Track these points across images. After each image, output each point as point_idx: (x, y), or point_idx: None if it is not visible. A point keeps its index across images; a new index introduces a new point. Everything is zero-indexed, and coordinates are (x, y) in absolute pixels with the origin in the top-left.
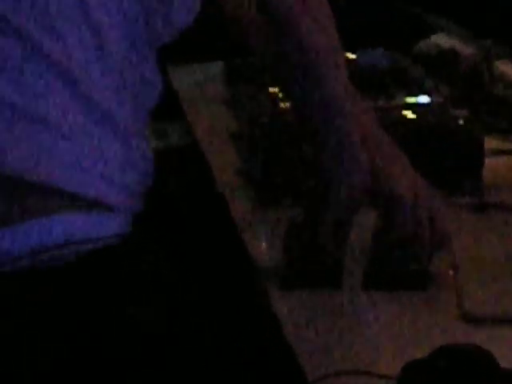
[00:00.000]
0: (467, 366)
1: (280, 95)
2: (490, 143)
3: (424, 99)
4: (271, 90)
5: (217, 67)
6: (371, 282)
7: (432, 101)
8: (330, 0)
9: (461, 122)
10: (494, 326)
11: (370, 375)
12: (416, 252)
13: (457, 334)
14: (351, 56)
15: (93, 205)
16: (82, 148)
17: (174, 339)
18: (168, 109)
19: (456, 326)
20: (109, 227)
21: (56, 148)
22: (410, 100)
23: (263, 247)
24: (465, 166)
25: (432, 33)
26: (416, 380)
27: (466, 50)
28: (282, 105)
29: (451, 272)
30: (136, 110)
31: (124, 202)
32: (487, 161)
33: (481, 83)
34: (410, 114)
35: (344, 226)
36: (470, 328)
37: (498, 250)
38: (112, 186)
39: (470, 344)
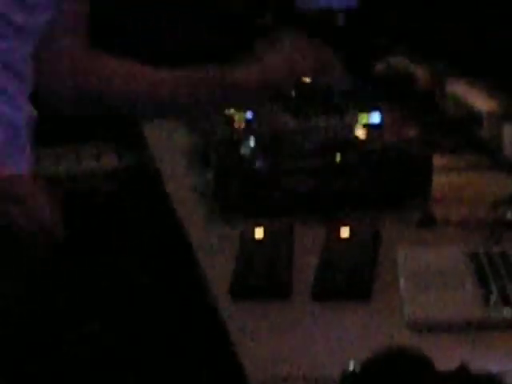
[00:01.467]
0: (405, 368)
1: (234, 116)
2: (440, 161)
3: (377, 119)
4: (226, 111)
5: None
6: (319, 294)
7: (385, 120)
8: (328, 20)
9: (411, 140)
10: (436, 332)
11: (315, 382)
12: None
13: (399, 339)
14: (306, 79)
15: None
16: None
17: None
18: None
19: (399, 332)
20: None
21: None
22: (364, 119)
23: (215, 260)
24: (413, 183)
25: (389, 56)
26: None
27: (420, 72)
28: (235, 125)
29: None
30: None
31: None
32: (436, 178)
33: (433, 103)
34: (362, 133)
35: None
36: (412, 334)
37: (442, 262)
38: None
39: (409, 347)
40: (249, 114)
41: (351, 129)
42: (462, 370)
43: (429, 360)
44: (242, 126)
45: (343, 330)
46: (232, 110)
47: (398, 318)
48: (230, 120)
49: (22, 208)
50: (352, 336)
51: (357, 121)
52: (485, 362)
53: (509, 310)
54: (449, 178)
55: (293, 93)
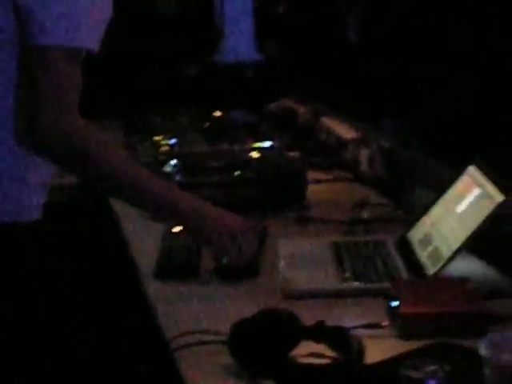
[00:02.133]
0: (278, 323)
1: (161, 141)
2: (315, 175)
3: (268, 144)
4: (155, 138)
5: (118, 122)
6: (219, 275)
7: (274, 145)
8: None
9: (293, 160)
10: (304, 299)
11: (212, 333)
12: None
13: (276, 305)
14: (218, 113)
15: None
16: None
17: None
18: None
19: (277, 300)
20: None
21: None
22: (258, 145)
23: (144, 248)
24: (293, 191)
25: (282, 97)
26: (240, 333)
27: (303, 110)
28: (161, 148)
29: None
30: None
31: None
32: (311, 187)
33: (312, 133)
34: (255, 155)
35: None
36: (286, 301)
37: (311, 249)
38: None
39: (280, 308)
40: (172, 140)
41: (248, 152)
42: (320, 324)
43: (295, 316)
44: (167, 149)
45: (236, 299)
46: (159, 137)
47: (278, 290)
48: (156, 144)
49: (235, 243)
50: (241, 302)
51: (253, 146)
52: (339, 321)
53: (358, 284)
54: (320, 187)
55: (206, 124)
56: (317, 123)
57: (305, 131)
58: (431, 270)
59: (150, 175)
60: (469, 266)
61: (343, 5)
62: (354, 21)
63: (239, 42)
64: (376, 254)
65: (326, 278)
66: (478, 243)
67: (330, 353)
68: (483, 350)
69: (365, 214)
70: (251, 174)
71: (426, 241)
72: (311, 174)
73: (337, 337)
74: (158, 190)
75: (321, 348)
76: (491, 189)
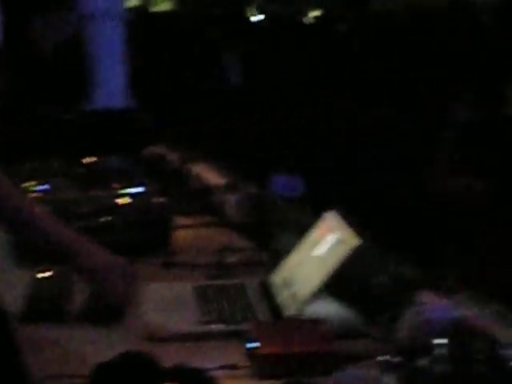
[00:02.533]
0: (137, 366)
1: (31, 187)
2: (183, 221)
3: (138, 190)
4: (25, 184)
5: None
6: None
7: (144, 191)
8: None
9: (159, 206)
10: (171, 343)
11: (77, 376)
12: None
13: (138, 348)
14: (91, 159)
15: None
16: None
17: None
18: None
19: (142, 344)
20: None
21: None
22: (129, 190)
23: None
24: (158, 236)
25: (154, 143)
26: (100, 377)
27: (173, 155)
28: (31, 195)
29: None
30: None
31: None
32: (178, 232)
33: (181, 179)
34: (125, 200)
35: None
36: (149, 344)
37: (176, 292)
38: None
39: (140, 352)
40: (44, 186)
41: (118, 197)
42: (178, 366)
43: (153, 359)
44: (37, 195)
45: (102, 342)
46: (30, 183)
47: (143, 334)
48: (26, 191)
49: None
50: (107, 345)
51: (123, 192)
52: (201, 363)
53: (219, 326)
54: (187, 232)
55: (79, 170)
56: (186, 169)
57: (175, 177)
58: (290, 311)
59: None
60: (326, 308)
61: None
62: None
63: (112, 89)
64: (238, 296)
65: (188, 321)
66: (334, 285)
67: None
68: None
69: (230, 258)
70: (118, 220)
71: (287, 284)
72: (179, 220)
73: (195, 379)
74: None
75: None
76: (347, 234)
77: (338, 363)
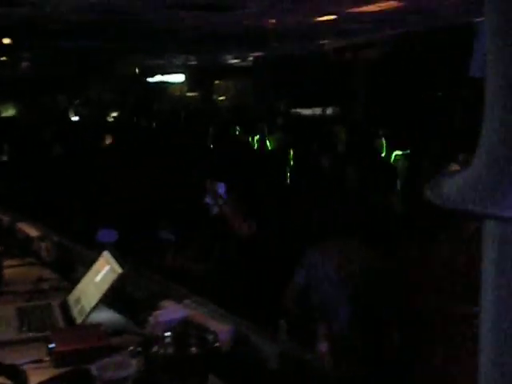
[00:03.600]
0: None
1: None
2: (12, 262)
3: None
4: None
5: None
6: None
7: None
8: None
9: None
10: None
11: None
12: None
13: None
14: None
15: None
16: None
17: None
18: None
19: None
20: None
21: None
22: None
23: None
24: None
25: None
26: None
27: (4, 216)
28: None
29: None
30: None
31: None
32: (7, 270)
33: (11, 233)
34: None
35: None
36: None
37: (3, 311)
38: None
39: None
40: None
41: None
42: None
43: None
44: None
45: None
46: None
47: None
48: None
49: None
50: None
51: None
52: (16, 360)
53: (31, 333)
54: (15, 269)
55: None
56: (15, 226)
57: (6, 232)
58: (79, 320)
59: None
60: (103, 315)
61: None
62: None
63: None
64: (46, 312)
65: (9, 330)
66: (110, 300)
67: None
68: (95, 370)
69: (42, 286)
70: None
71: (77, 301)
72: (9, 261)
73: (12, 371)
74: None
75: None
76: (115, 266)
77: (110, 353)
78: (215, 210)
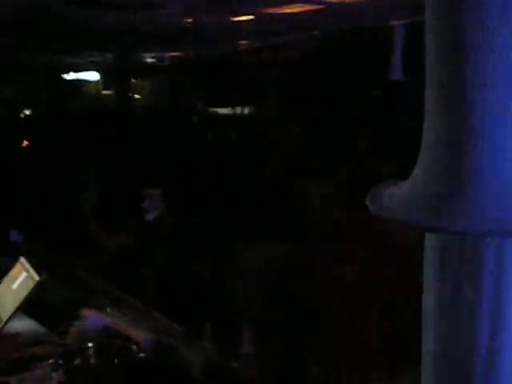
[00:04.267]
0: None
1: None
2: None
3: None
4: None
5: None
6: None
7: None
8: None
9: None
10: None
11: None
12: None
13: None
14: None
15: None
16: None
17: None
18: None
19: None
20: None
21: None
22: None
23: None
24: None
25: None
26: None
27: None
28: None
29: None
30: None
31: None
32: None
33: None
34: None
35: None
36: None
37: None
38: None
39: None
40: None
41: None
42: None
43: None
44: None
45: None
46: None
47: None
48: None
49: None
50: None
51: None
52: None
53: None
54: None
55: None
56: None
57: None
58: None
59: None
60: (22, 325)
61: None
62: None
63: None
64: None
65: None
66: (28, 308)
67: None
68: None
69: None
70: None
71: None
72: None
73: None
74: None
75: None
76: (32, 272)
77: (28, 364)
78: None
